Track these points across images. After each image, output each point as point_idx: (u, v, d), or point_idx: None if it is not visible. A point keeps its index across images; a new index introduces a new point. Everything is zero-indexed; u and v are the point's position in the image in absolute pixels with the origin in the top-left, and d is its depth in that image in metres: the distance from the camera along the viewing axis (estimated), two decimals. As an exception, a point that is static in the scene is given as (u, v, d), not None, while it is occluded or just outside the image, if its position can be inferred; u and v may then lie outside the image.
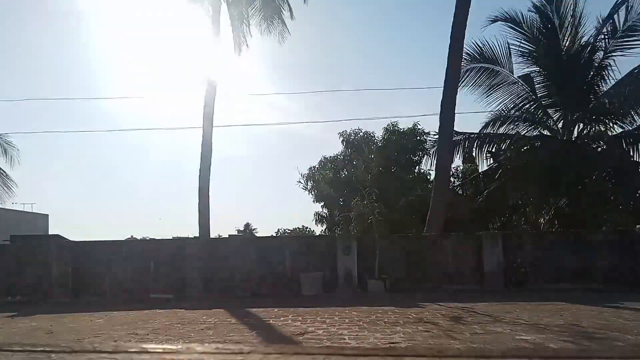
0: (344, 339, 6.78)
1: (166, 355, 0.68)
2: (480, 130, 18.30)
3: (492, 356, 0.68)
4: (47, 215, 36.51)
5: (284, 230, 34.52)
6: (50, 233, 28.41)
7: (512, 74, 17.35)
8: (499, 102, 17.67)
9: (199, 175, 14.75)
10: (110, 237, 24.28)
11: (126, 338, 7.27)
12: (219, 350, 0.71)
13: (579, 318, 8.09)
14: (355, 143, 23.82)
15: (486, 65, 17.21)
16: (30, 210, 34.87)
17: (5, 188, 18.14)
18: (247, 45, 16.79)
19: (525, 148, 16.75)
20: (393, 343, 6.40)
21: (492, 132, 18.09)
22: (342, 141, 24.78)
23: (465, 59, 16.54)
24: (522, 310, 8.96)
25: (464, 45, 15.74)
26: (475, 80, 17.41)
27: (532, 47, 17.06)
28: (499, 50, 17.18)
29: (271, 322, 8.34)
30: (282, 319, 8.59)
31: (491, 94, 17.55)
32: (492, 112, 17.96)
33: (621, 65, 16.73)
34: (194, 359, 0.67)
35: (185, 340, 7.01)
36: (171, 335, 7.44)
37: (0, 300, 12.80)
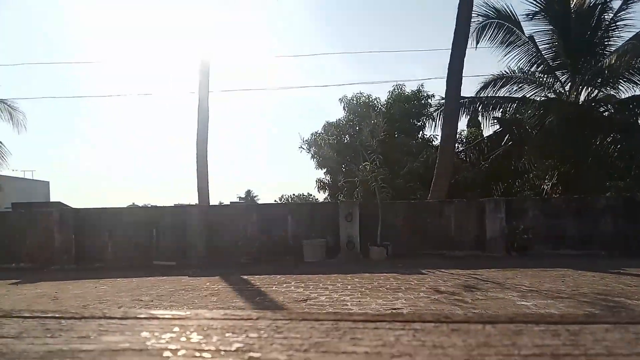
0: (347, 305, 6.81)
1: (175, 321, 0.61)
2: (478, 91, 17.86)
3: (499, 321, 0.59)
4: (48, 182, 36.50)
5: (288, 197, 34.37)
6: (51, 200, 28.48)
7: (523, 33, 16.76)
8: (512, 61, 17.17)
9: (197, 140, 14.55)
10: (111, 204, 24.24)
11: (131, 304, 7.31)
12: (227, 316, 0.63)
13: (580, 284, 8.12)
14: (358, 109, 23.53)
15: (500, 22, 16.51)
16: (31, 178, 34.79)
17: None
18: None
19: (535, 113, 16.38)
20: (395, 309, 6.42)
21: (492, 93, 17.64)
22: (343, 107, 24.52)
23: (475, 17, 15.92)
24: (524, 276, 9.01)
25: (474, 5, 15.22)
26: (488, 37, 16.72)
27: (541, 5, 16.50)
28: (509, 8, 16.57)
29: (273, 288, 8.38)
30: (284, 285, 8.63)
31: (508, 51, 16.91)
32: (493, 74, 17.55)
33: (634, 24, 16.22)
34: (203, 324, 0.59)
35: (189, 307, 7.05)
36: (175, 301, 7.48)
37: (3, 267, 12.87)
